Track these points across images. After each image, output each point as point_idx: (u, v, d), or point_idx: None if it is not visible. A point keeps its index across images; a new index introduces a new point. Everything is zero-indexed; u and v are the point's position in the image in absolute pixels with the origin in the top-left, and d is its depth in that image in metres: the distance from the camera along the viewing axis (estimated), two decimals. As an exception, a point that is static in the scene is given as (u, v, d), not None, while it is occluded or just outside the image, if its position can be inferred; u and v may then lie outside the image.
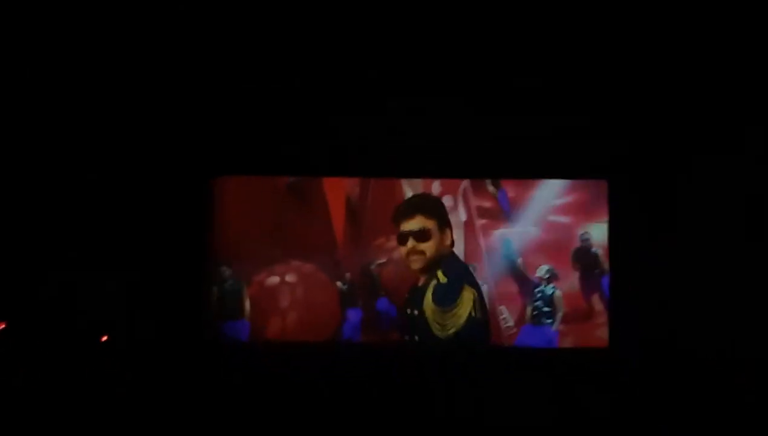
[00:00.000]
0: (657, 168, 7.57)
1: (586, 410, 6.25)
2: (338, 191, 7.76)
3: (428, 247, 7.56)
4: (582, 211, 7.70)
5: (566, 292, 7.64)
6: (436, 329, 7.43)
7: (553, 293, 7.61)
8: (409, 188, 7.77)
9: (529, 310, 7.62)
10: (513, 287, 7.67)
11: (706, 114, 7.29)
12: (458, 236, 7.67)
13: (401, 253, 7.59)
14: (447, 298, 7.50)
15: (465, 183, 7.73)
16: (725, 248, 7.20)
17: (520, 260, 7.67)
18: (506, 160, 7.68)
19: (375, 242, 7.70)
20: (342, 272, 7.64)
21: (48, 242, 7.21)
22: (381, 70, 7.11)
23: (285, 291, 7.60)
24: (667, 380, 6.69)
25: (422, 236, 7.56)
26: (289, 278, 7.63)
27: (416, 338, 7.49)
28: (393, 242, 7.65)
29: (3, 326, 6.63)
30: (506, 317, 7.61)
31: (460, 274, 7.57)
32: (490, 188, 7.73)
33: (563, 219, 7.70)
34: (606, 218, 7.65)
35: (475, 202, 7.75)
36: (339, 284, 7.62)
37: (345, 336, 7.57)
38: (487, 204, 7.74)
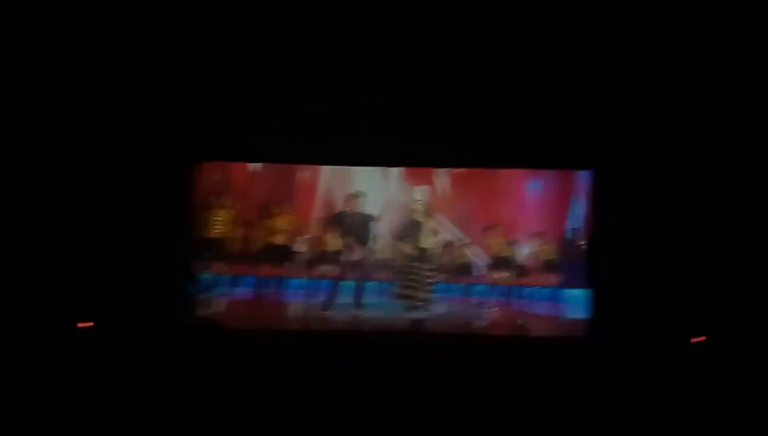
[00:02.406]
0: (638, 157, 7.60)
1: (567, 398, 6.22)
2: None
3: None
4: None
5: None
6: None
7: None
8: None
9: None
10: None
11: (686, 100, 7.27)
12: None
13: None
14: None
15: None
16: (707, 236, 7.19)
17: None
18: (487, 150, 7.74)
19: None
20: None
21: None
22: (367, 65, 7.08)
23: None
24: (647, 368, 6.66)
25: None
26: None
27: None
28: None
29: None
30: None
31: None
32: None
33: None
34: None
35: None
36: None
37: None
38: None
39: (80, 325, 6.81)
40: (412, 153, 7.75)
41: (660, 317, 7.21)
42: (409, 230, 7.94)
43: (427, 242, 7.93)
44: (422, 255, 7.93)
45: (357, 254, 7.90)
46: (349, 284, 7.89)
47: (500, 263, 7.96)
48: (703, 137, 7.22)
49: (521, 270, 7.94)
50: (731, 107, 6.90)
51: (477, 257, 7.96)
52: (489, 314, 7.90)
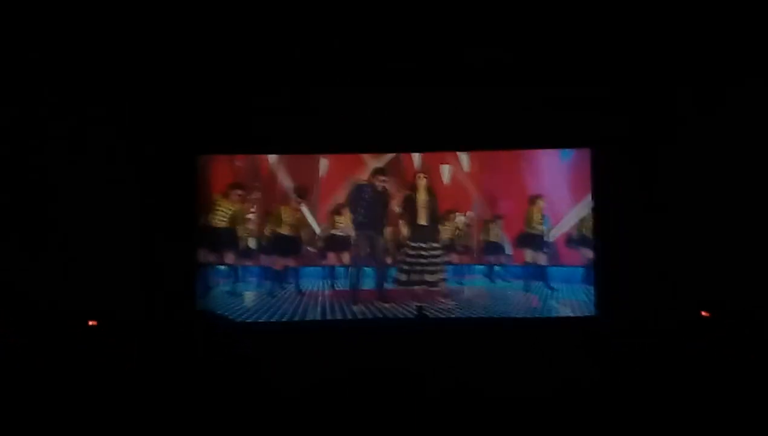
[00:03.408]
0: (640, 135, 7.57)
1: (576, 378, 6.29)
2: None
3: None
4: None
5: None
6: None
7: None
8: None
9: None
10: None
11: (688, 80, 7.25)
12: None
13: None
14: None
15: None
16: (710, 215, 7.17)
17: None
18: (490, 131, 7.68)
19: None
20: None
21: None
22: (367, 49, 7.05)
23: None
24: (652, 346, 6.73)
25: None
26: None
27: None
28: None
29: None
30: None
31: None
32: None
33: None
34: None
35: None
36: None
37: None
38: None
39: (91, 323, 6.83)
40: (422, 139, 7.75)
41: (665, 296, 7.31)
42: (410, 206, 7.84)
43: (427, 218, 7.83)
44: (426, 234, 7.84)
45: (369, 236, 7.84)
46: (363, 269, 7.84)
47: (528, 240, 7.86)
48: (711, 125, 7.20)
49: (552, 248, 7.85)
50: (741, 98, 6.90)
51: (499, 235, 7.88)
52: (513, 296, 7.82)
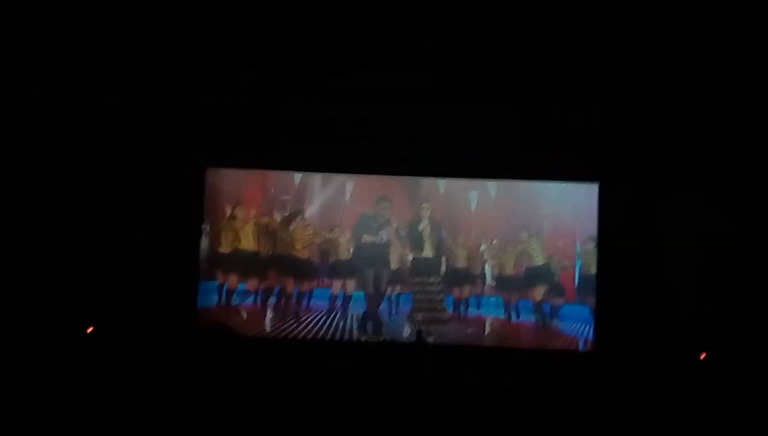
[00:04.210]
0: (646, 171, 7.56)
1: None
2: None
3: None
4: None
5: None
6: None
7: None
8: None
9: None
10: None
11: (688, 80, 7.09)
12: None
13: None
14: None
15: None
16: (713, 251, 7.11)
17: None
18: (498, 162, 7.70)
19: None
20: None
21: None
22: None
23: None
24: (654, 380, 6.57)
25: None
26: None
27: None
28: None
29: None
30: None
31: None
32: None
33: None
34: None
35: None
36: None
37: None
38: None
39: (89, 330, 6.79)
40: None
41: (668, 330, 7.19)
42: (414, 237, 7.80)
43: (431, 249, 7.79)
44: (429, 266, 7.80)
45: (373, 267, 7.78)
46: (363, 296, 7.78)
47: (538, 275, 7.77)
48: (712, 148, 7.18)
49: (559, 286, 7.74)
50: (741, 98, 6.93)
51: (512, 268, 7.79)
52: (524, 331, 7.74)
